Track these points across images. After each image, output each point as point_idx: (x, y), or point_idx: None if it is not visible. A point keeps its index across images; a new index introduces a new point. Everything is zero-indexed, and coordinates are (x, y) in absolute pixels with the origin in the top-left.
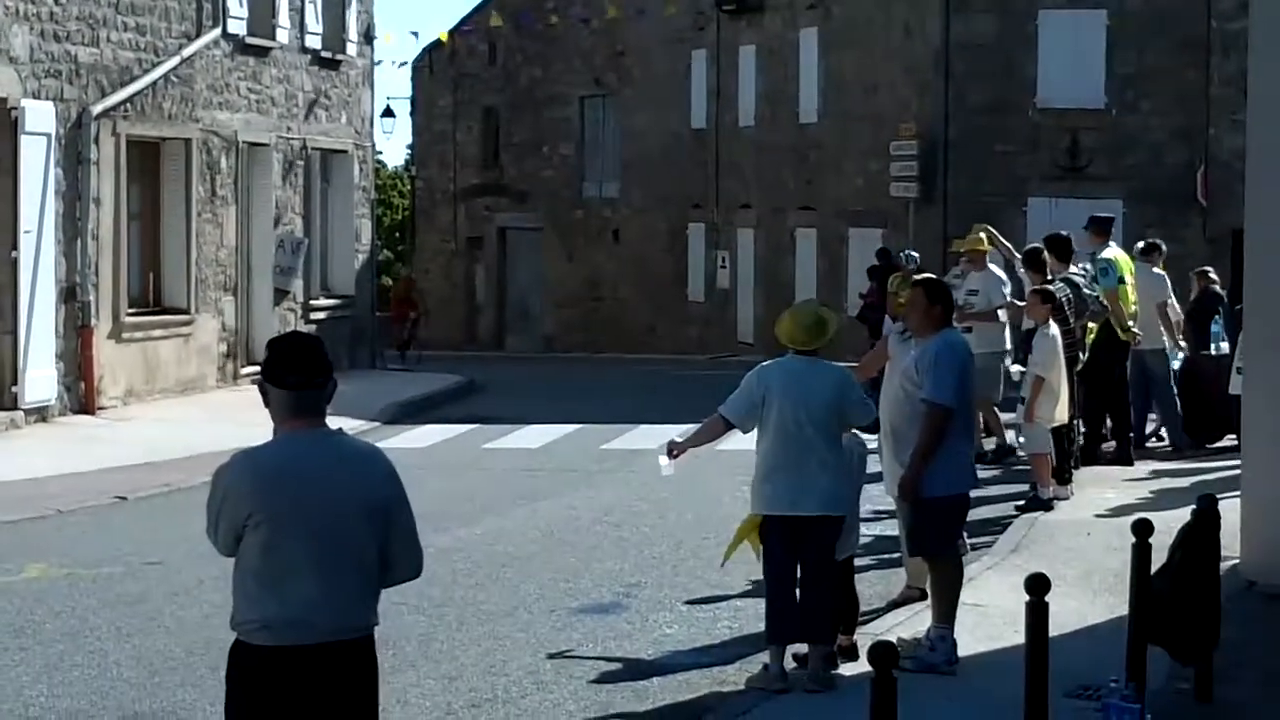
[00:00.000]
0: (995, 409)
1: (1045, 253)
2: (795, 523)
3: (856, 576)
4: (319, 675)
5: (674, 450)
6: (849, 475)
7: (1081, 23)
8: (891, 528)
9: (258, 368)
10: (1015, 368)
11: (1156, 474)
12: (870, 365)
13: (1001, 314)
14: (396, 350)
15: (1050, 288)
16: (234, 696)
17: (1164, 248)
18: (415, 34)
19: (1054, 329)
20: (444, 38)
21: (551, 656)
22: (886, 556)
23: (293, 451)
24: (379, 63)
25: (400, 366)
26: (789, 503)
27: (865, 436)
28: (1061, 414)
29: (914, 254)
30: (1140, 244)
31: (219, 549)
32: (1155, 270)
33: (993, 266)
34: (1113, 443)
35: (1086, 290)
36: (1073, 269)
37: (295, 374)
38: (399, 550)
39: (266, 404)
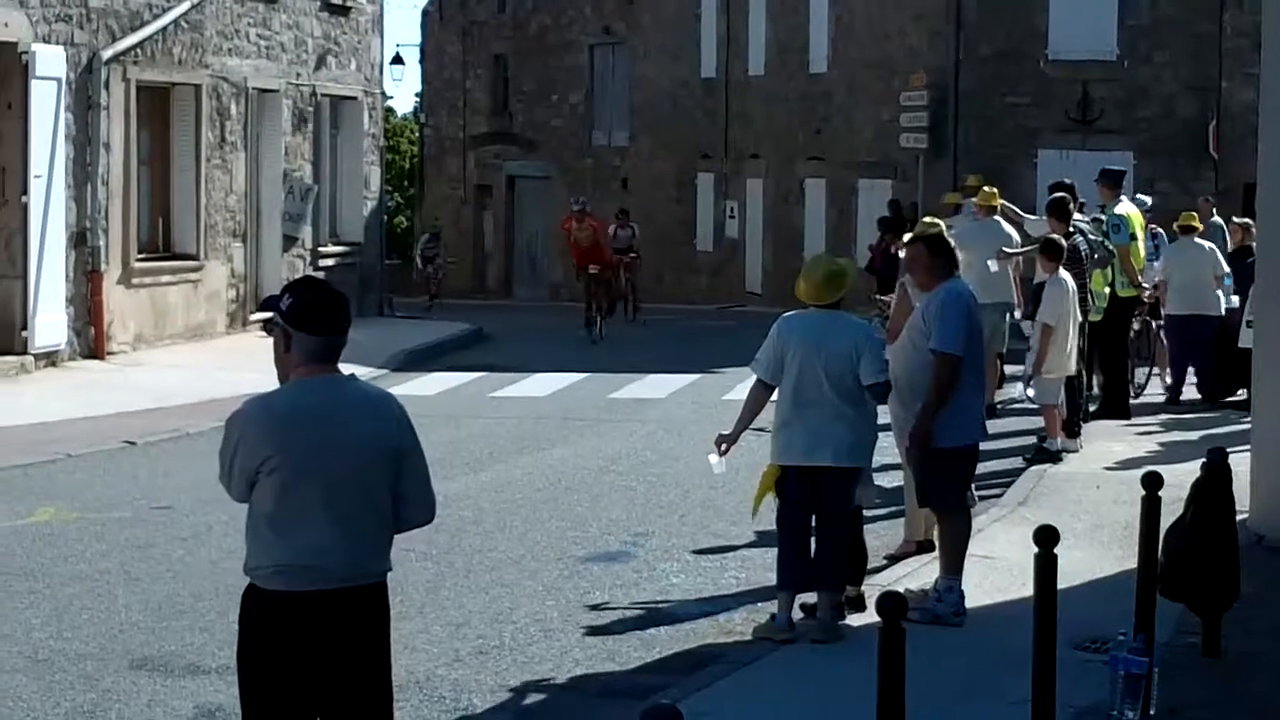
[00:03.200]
0: (999, 362)
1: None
2: (810, 473)
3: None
4: (332, 621)
5: (723, 445)
6: (867, 428)
7: None
8: (897, 479)
9: (268, 312)
10: (1026, 323)
11: (1165, 427)
12: (899, 320)
13: (992, 264)
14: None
15: (1059, 239)
16: (246, 641)
17: None
18: None
19: (1064, 276)
20: None
21: (561, 606)
22: (893, 509)
23: (308, 397)
24: (402, 5)
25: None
26: (802, 452)
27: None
28: (1071, 364)
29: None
30: None
31: (232, 495)
32: None
33: (997, 218)
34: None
35: (1093, 238)
36: (1078, 218)
37: (330, 321)
38: (412, 495)
39: (285, 349)
